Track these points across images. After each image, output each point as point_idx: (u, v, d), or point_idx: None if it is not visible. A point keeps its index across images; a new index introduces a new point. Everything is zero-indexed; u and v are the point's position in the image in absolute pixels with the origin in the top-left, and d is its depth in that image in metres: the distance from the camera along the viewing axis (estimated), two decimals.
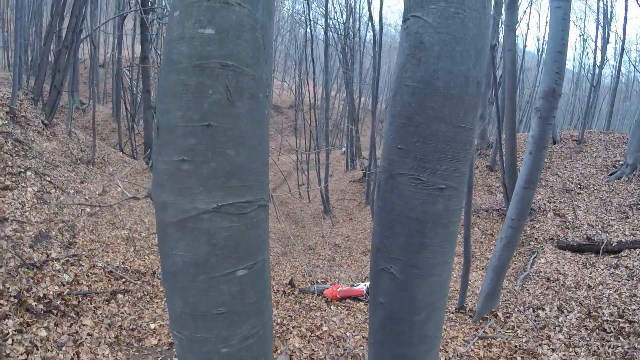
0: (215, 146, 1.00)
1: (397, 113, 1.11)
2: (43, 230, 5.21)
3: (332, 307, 5.81)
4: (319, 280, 7.32)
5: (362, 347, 4.46)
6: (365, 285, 6.40)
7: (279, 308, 5.63)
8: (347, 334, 4.81)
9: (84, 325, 4.06)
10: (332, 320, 5.20)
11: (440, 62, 1.02)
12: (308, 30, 18.16)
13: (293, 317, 5.28)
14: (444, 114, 1.04)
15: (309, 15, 17.81)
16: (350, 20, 18.31)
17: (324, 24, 16.94)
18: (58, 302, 4.04)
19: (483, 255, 8.38)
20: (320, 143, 22.07)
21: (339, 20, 18.49)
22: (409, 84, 1.08)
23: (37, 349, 3.29)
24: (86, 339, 3.83)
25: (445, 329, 4.80)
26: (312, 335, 4.73)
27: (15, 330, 3.33)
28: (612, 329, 4.23)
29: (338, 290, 6.17)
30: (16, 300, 3.65)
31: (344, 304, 6.00)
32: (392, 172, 1.12)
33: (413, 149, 1.06)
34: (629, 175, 8.66)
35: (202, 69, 0.99)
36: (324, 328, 4.87)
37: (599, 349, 3.93)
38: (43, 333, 3.54)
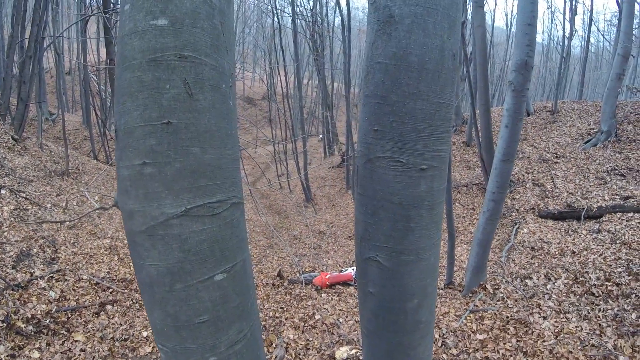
0: (178, 145, 0.93)
1: (370, 93, 1.04)
2: (24, 249, 5.08)
3: (322, 295, 5.83)
4: (306, 269, 7.32)
5: (356, 332, 4.47)
6: (353, 269, 6.40)
7: (270, 301, 5.60)
8: (340, 320, 4.82)
9: (76, 341, 4.00)
10: (324, 308, 5.22)
11: (412, 36, 0.95)
12: (275, 19, 17.87)
13: (285, 309, 5.27)
14: (420, 90, 0.97)
15: (276, 4, 17.53)
16: (317, 7, 18.10)
17: (291, 12, 16.68)
18: (47, 321, 3.97)
19: (467, 229, 8.51)
20: (297, 132, 21.95)
21: (305, 7, 18.25)
22: (380, 62, 1.01)
23: None
24: (80, 355, 3.77)
25: (436, 306, 4.85)
26: (306, 325, 4.73)
27: (7, 356, 3.29)
28: (600, 292, 4.33)
29: (327, 277, 6.19)
30: (5, 324, 3.59)
31: (334, 290, 6.01)
32: (370, 156, 1.06)
33: (390, 130, 1.00)
34: (604, 142, 8.86)
35: (158, 63, 0.91)
36: (317, 317, 4.89)
37: (589, 313, 4.03)
38: (36, 355, 3.48)
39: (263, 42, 28.31)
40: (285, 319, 4.91)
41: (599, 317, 3.94)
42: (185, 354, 1.08)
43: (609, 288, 4.34)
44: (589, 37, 17.62)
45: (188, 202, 0.95)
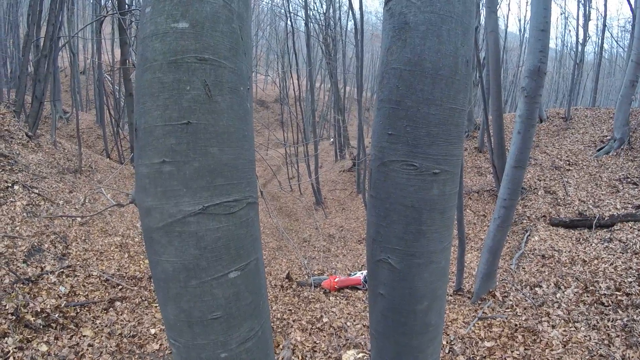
0: (197, 145, 0.96)
1: (385, 98, 1.07)
2: (35, 244, 5.16)
3: (330, 298, 5.84)
4: (315, 272, 7.33)
5: (363, 336, 4.46)
6: (362, 273, 6.41)
7: (278, 303, 5.62)
8: (348, 323, 4.83)
9: (84, 336, 4.04)
10: (332, 311, 5.22)
11: (427, 42, 0.97)
12: (288, 22, 17.98)
13: (293, 311, 5.28)
14: (434, 95, 1.00)
15: (289, 7, 17.63)
16: (331, 10, 18.15)
17: (304, 16, 16.76)
18: (56, 316, 4.02)
19: (477, 236, 8.45)
20: (308, 135, 21.98)
21: (319, 10, 18.31)
22: (395, 67, 1.03)
23: None
24: (87, 350, 3.80)
25: (445, 311, 4.83)
26: (313, 327, 4.74)
27: (15, 348, 3.32)
28: (610, 302, 4.27)
29: (336, 280, 6.20)
30: (14, 317, 3.63)
31: (342, 294, 6.02)
32: (383, 159, 1.08)
33: (404, 134, 1.02)
34: (617, 149, 8.74)
35: (178, 65, 0.94)
36: (324, 319, 4.89)
37: (598, 322, 3.98)
38: (44, 348, 3.52)
39: (276, 45, 28.49)
40: (293, 321, 4.92)
41: (608, 327, 3.89)
42: (197, 350, 1.10)
43: (619, 298, 4.28)
44: (602, 43, 17.43)
45: (205, 201, 0.98)
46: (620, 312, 4.07)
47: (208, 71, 0.96)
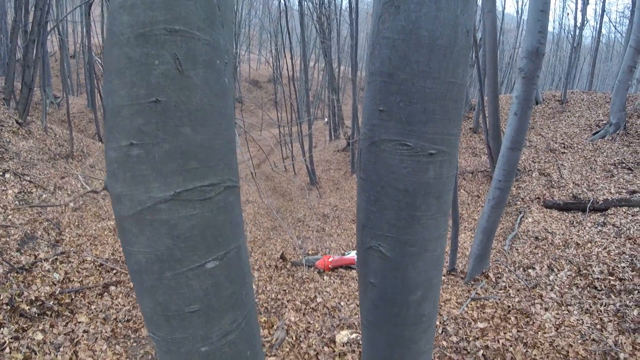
0: (167, 125, 0.86)
1: (376, 70, 0.96)
2: (28, 232, 5.12)
3: (324, 278, 5.84)
4: (309, 252, 7.31)
5: (357, 316, 4.47)
6: (356, 253, 6.41)
7: (272, 283, 5.62)
8: (342, 303, 4.84)
9: (79, 322, 4.03)
10: (326, 291, 5.23)
11: (423, 8, 0.86)
12: (282, 0, 17.53)
13: (287, 291, 5.28)
14: (430, 68, 0.89)
15: None
16: None
17: None
18: (51, 303, 4.00)
19: (471, 216, 8.46)
20: (302, 115, 21.72)
21: None
22: (388, 36, 0.92)
23: (35, 354, 3.27)
24: (83, 336, 3.79)
25: None
26: (307, 307, 4.75)
27: (11, 338, 3.31)
28: (603, 286, 4.28)
29: (330, 260, 6.19)
30: (9, 307, 3.62)
31: (336, 274, 6.02)
32: (374, 138, 0.98)
33: (397, 110, 0.92)
34: (613, 134, 8.71)
35: (147, 38, 0.84)
36: (318, 299, 4.90)
37: (591, 307, 3.98)
38: (39, 337, 3.50)
39: (269, 24, 27.98)
40: (287, 301, 4.93)
41: (601, 311, 3.90)
42: (176, 344, 1.03)
43: (612, 282, 4.28)
44: (600, 27, 17.27)
45: (177, 186, 0.89)
46: (613, 296, 4.08)
47: (179, 44, 0.86)
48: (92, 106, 14.60)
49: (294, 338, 4.06)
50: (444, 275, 5.40)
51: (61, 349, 3.42)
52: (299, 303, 4.85)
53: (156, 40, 0.84)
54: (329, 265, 6.17)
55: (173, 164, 0.87)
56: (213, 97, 0.91)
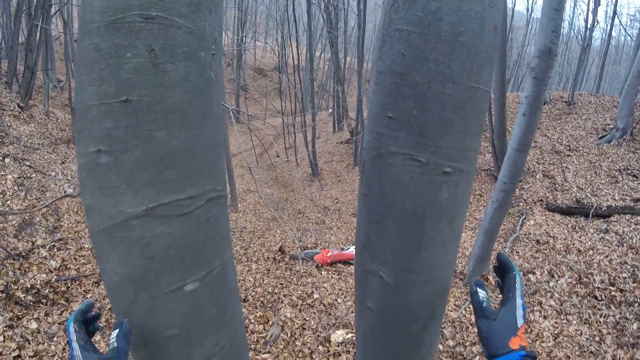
0: (139, 128, 0.73)
1: (385, 69, 0.80)
2: (27, 218, 5.04)
3: (322, 273, 5.77)
4: (308, 246, 7.25)
5: (353, 314, 4.40)
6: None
7: (270, 276, 5.57)
8: (339, 300, 4.78)
9: (74, 311, 3.94)
10: (323, 287, 5.17)
11: None
12: None
13: (284, 285, 5.23)
14: (451, 69, 0.75)
15: None
16: None
17: None
18: (47, 291, 3.96)
19: (472, 215, 8.35)
20: (306, 105, 21.46)
21: None
22: (401, 29, 0.77)
23: (29, 343, 3.22)
24: None
25: None
26: (304, 303, 4.70)
27: (5, 326, 3.27)
28: (603, 296, 4.20)
29: (328, 255, 6.12)
30: (4, 295, 3.58)
31: (334, 269, 5.95)
32: (380, 149, 0.84)
33: (408, 118, 0.78)
34: (619, 139, 8.56)
35: (118, 26, 0.71)
36: (315, 295, 4.85)
37: (590, 317, 3.90)
38: (34, 325, 3.46)
39: (276, 12, 27.57)
40: (284, 296, 4.87)
41: (600, 322, 3.82)
42: None
43: (613, 293, 4.20)
44: (611, 29, 17.02)
45: (150, 200, 0.76)
46: (613, 308, 3.99)
47: (156, 32, 0.72)
48: None
49: (289, 335, 4.01)
50: None
51: (55, 339, 3.37)
52: (295, 298, 4.79)
53: (129, 29, 0.71)
54: (328, 260, 6.10)
55: (145, 174, 0.74)
56: (195, 95, 0.78)
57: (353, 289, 5.04)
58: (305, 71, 22.86)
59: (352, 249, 6.34)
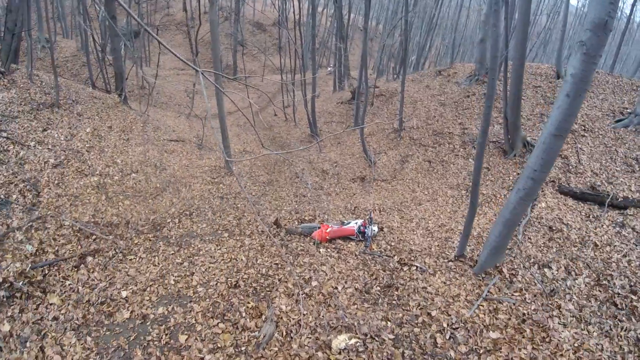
0: None
1: None
2: (2, 196, 4.64)
3: (321, 251, 5.32)
4: (305, 217, 6.78)
5: (355, 306, 4.07)
6: (356, 223, 5.87)
7: (264, 254, 5.19)
8: (339, 287, 4.39)
9: (50, 304, 3.71)
10: (322, 270, 4.77)
11: None
12: None
13: (279, 266, 4.85)
14: None
15: None
16: None
17: None
18: (21, 283, 3.71)
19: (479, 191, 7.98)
20: (307, 62, 20.50)
21: None
22: None
23: (1, 350, 3.04)
24: (51, 325, 3.48)
25: (445, 283, 4.47)
26: (301, 292, 4.29)
27: None
28: (624, 305, 4.03)
29: (327, 231, 5.70)
30: None
31: (333, 246, 5.54)
32: None
33: None
34: (637, 125, 8.14)
35: None
36: (313, 283, 4.45)
37: (611, 329, 3.70)
38: (6, 328, 3.25)
39: None
40: (279, 281, 4.49)
41: (621, 337, 3.65)
42: None
43: (634, 304, 4.03)
44: (634, 7, 16.03)
45: None
46: (634, 320, 3.81)
47: None
48: (85, 49, 13.48)
49: (284, 334, 3.65)
50: (452, 261, 5.01)
51: (28, 344, 3.13)
52: (291, 286, 4.38)
53: None
54: (327, 237, 5.68)
55: None
56: None
57: (354, 272, 4.70)
58: (307, 27, 21.64)
59: (352, 224, 5.91)
